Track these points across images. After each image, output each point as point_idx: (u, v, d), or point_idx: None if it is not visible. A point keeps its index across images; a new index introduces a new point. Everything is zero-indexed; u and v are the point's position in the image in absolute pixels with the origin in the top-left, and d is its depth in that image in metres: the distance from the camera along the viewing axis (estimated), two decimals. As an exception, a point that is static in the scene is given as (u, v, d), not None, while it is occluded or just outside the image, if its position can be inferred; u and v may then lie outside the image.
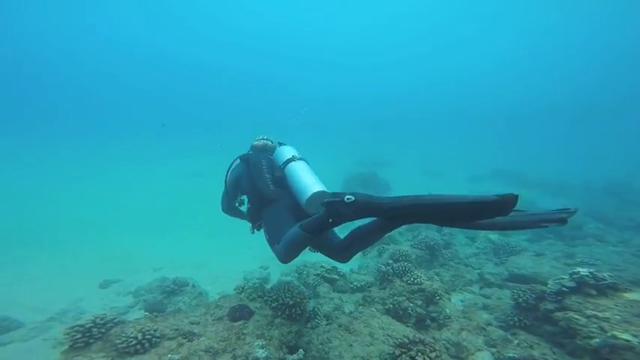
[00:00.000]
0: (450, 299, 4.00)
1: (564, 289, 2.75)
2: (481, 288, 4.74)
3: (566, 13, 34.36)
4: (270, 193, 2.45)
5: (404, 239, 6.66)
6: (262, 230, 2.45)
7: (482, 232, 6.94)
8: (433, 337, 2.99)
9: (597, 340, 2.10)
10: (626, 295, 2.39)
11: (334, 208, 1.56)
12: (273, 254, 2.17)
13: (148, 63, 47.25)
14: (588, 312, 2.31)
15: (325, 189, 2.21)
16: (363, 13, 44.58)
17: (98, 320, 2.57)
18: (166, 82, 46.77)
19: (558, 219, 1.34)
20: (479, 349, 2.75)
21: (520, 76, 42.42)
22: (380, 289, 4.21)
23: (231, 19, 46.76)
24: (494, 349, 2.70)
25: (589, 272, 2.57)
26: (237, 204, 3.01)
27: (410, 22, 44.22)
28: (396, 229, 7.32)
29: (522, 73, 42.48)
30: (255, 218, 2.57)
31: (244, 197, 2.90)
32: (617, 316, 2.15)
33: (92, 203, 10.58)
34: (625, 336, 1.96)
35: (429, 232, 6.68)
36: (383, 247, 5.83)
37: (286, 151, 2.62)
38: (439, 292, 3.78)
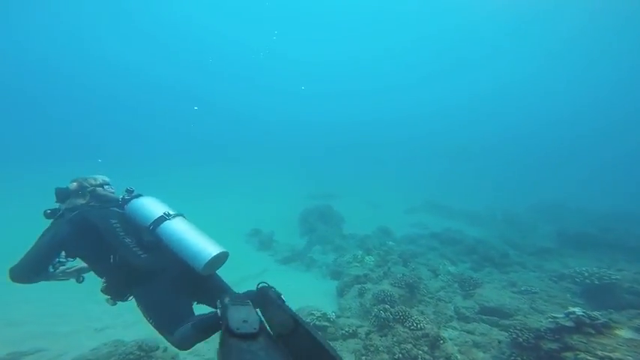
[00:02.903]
0: (447, 340, 4.04)
1: (561, 327, 3.03)
2: (459, 322, 4.96)
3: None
4: (143, 265, 1.88)
5: (376, 275, 6.67)
6: (138, 306, 1.89)
7: (442, 265, 7.46)
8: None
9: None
10: (618, 332, 2.77)
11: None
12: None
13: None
14: (599, 352, 2.59)
15: (223, 248, 1.92)
16: (320, 41, 44.17)
17: None
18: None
19: None
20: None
21: (468, 117, 46.65)
22: (381, 337, 4.01)
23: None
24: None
25: (583, 312, 2.91)
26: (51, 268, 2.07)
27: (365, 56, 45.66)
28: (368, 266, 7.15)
29: (471, 114, 46.92)
30: (121, 293, 1.96)
31: (71, 261, 2.09)
32: (630, 358, 2.44)
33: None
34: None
35: (399, 269, 6.87)
36: (363, 287, 5.70)
37: (151, 207, 2.06)
38: (441, 335, 3.80)
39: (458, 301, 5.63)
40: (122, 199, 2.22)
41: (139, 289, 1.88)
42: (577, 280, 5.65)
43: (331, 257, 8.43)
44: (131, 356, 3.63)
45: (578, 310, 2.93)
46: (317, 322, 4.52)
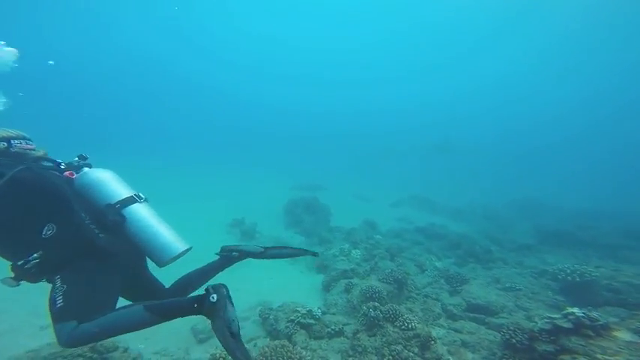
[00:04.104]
0: (436, 340, 3.90)
1: (557, 328, 2.92)
2: (447, 320, 4.86)
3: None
4: (102, 247, 1.60)
5: (362, 270, 6.48)
6: (55, 287, 1.50)
7: (428, 261, 7.39)
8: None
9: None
10: (616, 334, 2.69)
11: (202, 300, 1.41)
12: (54, 330, 1.39)
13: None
14: (599, 356, 2.48)
15: (189, 244, 1.86)
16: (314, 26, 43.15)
17: None
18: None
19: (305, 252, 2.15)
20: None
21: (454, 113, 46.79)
22: (370, 337, 3.81)
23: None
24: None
25: (583, 313, 2.80)
26: None
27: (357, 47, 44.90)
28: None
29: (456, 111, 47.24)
30: (51, 272, 1.55)
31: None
32: (633, 362, 2.35)
33: None
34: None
35: (386, 263, 6.72)
36: (350, 283, 5.48)
37: (116, 183, 1.81)
38: (432, 335, 3.65)
39: (445, 297, 5.53)
40: (67, 164, 1.85)
41: (75, 266, 1.54)
42: (559, 277, 5.69)
43: (317, 250, 8.18)
44: (80, 359, 3.12)
45: (577, 311, 2.82)
46: (302, 320, 4.27)
